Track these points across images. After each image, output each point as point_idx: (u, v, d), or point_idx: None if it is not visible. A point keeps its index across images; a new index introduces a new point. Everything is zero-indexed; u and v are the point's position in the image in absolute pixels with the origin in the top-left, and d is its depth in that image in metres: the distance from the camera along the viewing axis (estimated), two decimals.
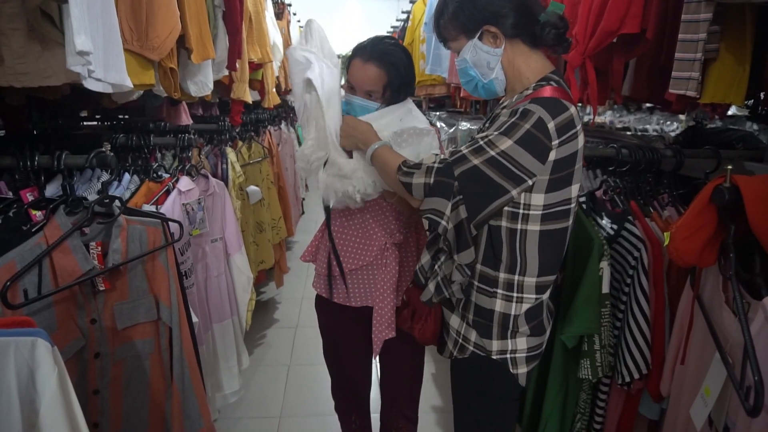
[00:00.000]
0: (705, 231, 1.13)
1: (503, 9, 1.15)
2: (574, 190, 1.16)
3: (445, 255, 1.25)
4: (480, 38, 1.19)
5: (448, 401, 2.58)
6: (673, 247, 1.18)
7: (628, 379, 1.43)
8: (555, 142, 1.08)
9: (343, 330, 1.66)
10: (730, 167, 1.08)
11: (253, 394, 2.59)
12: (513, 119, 1.09)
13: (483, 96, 1.30)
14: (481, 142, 1.11)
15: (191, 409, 1.44)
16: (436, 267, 1.28)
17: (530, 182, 1.10)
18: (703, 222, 1.13)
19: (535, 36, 1.17)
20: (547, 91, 1.12)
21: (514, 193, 1.11)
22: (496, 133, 1.10)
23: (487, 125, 1.28)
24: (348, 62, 1.50)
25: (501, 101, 1.30)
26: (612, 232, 1.52)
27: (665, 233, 1.24)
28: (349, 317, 1.61)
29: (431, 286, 1.29)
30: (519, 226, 1.15)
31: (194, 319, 1.57)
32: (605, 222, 1.56)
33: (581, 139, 1.13)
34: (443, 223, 1.14)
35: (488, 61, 1.20)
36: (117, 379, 1.40)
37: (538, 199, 1.13)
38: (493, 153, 1.08)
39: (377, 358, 1.67)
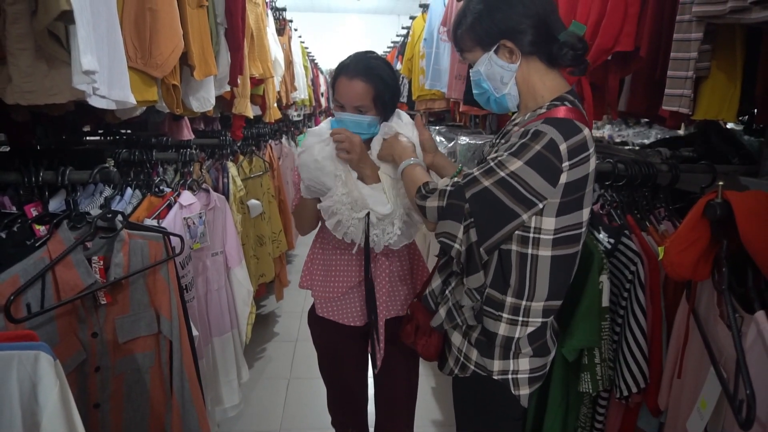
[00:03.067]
0: (699, 245, 1.14)
1: (521, 25, 1.14)
2: (585, 213, 1.14)
3: (457, 280, 1.24)
4: (496, 52, 1.17)
5: (447, 415, 2.57)
6: (668, 261, 1.19)
7: (626, 393, 1.43)
8: (566, 164, 1.06)
9: (339, 345, 1.66)
10: (721, 183, 1.09)
11: (253, 407, 2.59)
12: (524, 140, 1.08)
13: (494, 110, 1.28)
14: (492, 164, 1.10)
15: (191, 423, 1.45)
16: (447, 292, 1.27)
17: (540, 205, 1.09)
18: (696, 236, 1.14)
19: (552, 55, 1.16)
20: (561, 112, 1.10)
21: (524, 217, 1.09)
22: (506, 154, 1.09)
23: (498, 141, 1.27)
24: (333, 82, 1.52)
25: (513, 118, 1.28)
26: (609, 246, 1.53)
27: (660, 247, 1.25)
28: (346, 332, 1.61)
29: (442, 311, 1.27)
30: (530, 251, 1.14)
31: (194, 332, 1.58)
32: (602, 236, 1.57)
33: (593, 162, 1.12)
34: (456, 246, 1.13)
35: (502, 75, 1.19)
36: (117, 393, 1.41)
37: (549, 222, 1.11)
38: (503, 174, 1.07)
39: (373, 374, 1.67)
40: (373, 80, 1.45)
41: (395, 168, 1.45)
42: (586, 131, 1.10)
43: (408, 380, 1.69)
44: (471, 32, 1.20)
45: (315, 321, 1.69)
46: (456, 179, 1.16)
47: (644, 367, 1.40)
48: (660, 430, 1.49)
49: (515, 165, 1.07)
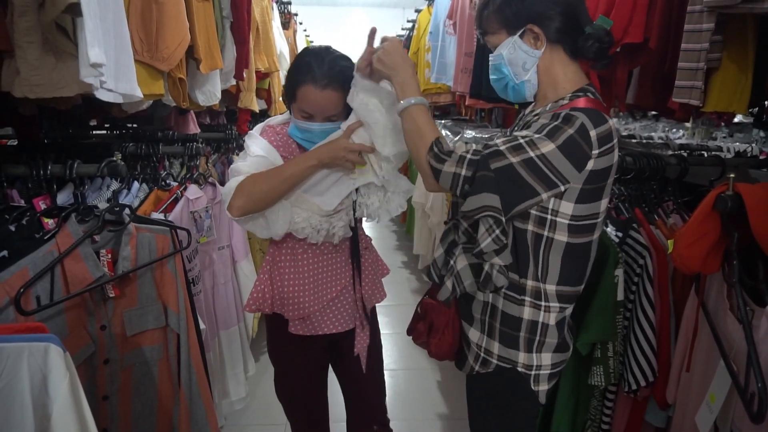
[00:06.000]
0: (709, 238, 1.13)
1: (551, 11, 1.12)
2: (603, 204, 1.14)
3: (459, 249, 1.21)
4: (521, 36, 1.16)
5: (453, 409, 2.58)
6: (677, 254, 1.18)
7: (634, 387, 1.43)
8: (595, 152, 1.06)
9: (311, 361, 1.55)
10: (732, 175, 1.09)
11: (259, 401, 2.60)
12: (556, 122, 1.06)
13: (510, 98, 1.26)
14: (522, 140, 1.07)
15: (198, 416, 1.45)
16: (451, 263, 1.23)
17: (563, 188, 1.07)
18: (706, 229, 1.13)
19: (577, 46, 1.15)
20: (586, 102, 1.10)
21: (544, 196, 1.08)
22: (537, 135, 1.07)
23: (516, 130, 1.24)
24: (295, 87, 1.33)
25: (531, 109, 1.26)
26: (617, 240, 1.52)
27: (669, 240, 1.25)
28: (314, 342, 1.50)
29: (449, 284, 1.23)
30: (546, 233, 1.12)
31: (201, 325, 1.59)
32: (610, 229, 1.56)
33: (616, 154, 1.12)
34: (504, 219, 1.09)
35: (525, 61, 1.17)
36: (126, 385, 1.41)
37: (567, 207, 1.10)
38: (532, 154, 1.05)
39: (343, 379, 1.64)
40: (345, 86, 1.32)
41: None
42: (611, 122, 1.09)
43: (375, 373, 1.62)
44: (499, 13, 1.18)
45: (284, 336, 1.49)
46: (475, 147, 1.13)
47: (652, 361, 1.40)
48: (668, 424, 1.49)
49: (547, 147, 1.05)
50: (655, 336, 1.40)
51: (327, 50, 1.36)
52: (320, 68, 1.30)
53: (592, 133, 1.05)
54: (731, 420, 1.11)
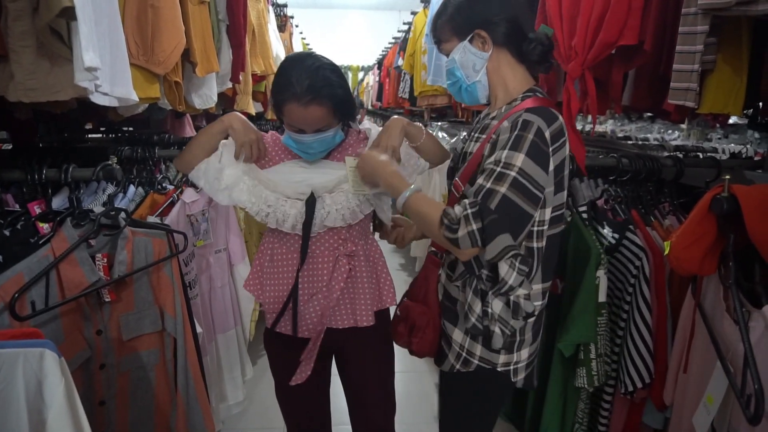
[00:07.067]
0: (705, 240, 1.14)
1: (496, 17, 1.22)
2: (564, 194, 1.22)
3: (490, 295, 1.21)
4: (470, 41, 1.25)
5: None
6: (674, 256, 1.19)
7: (631, 388, 1.43)
8: (551, 149, 1.12)
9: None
10: (728, 177, 1.09)
11: (256, 405, 2.59)
12: (516, 132, 1.11)
13: (465, 100, 1.33)
14: (498, 168, 1.09)
15: (196, 420, 1.45)
16: (489, 310, 1.22)
17: (542, 198, 1.12)
18: (703, 231, 1.14)
19: (522, 50, 1.24)
20: (536, 101, 1.17)
21: (536, 215, 1.14)
22: (505, 151, 1.10)
23: (475, 134, 1.31)
24: (280, 104, 1.31)
25: (487, 112, 1.33)
26: (613, 242, 1.53)
27: (666, 242, 1.25)
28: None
29: (498, 330, 1.22)
30: (535, 245, 1.18)
31: (198, 329, 1.58)
32: (606, 231, 1.57)
33: (567, 147, 1.19)
34: (523, 253, 1.17)
35: (474, 63, 1.25)
36: (123, 390, 1.41)
37: (548, 213, 1.17)
38: (513, 174, 1.07)
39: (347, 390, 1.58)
40: (329, 99, 1.28)
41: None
42: (560, 118, 1.16)
43: (385, 387, 1.59)
44: (451, 22, 1.27)
45: (273, 339, 1.49)
46: (465, 201, 1.13)
47: (649, 363, 1.40)
48: (665, 426, 1.49)
49: (519, 159, 1.08)
50: (651, 337, 1.40)
51: (309, 59, 1.31)
52: (300, 84, 1.25)
53: (547, 134, 1.11)
54: (728, 421, 1.11)
